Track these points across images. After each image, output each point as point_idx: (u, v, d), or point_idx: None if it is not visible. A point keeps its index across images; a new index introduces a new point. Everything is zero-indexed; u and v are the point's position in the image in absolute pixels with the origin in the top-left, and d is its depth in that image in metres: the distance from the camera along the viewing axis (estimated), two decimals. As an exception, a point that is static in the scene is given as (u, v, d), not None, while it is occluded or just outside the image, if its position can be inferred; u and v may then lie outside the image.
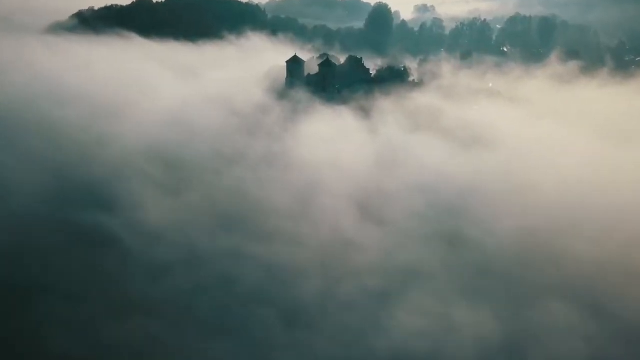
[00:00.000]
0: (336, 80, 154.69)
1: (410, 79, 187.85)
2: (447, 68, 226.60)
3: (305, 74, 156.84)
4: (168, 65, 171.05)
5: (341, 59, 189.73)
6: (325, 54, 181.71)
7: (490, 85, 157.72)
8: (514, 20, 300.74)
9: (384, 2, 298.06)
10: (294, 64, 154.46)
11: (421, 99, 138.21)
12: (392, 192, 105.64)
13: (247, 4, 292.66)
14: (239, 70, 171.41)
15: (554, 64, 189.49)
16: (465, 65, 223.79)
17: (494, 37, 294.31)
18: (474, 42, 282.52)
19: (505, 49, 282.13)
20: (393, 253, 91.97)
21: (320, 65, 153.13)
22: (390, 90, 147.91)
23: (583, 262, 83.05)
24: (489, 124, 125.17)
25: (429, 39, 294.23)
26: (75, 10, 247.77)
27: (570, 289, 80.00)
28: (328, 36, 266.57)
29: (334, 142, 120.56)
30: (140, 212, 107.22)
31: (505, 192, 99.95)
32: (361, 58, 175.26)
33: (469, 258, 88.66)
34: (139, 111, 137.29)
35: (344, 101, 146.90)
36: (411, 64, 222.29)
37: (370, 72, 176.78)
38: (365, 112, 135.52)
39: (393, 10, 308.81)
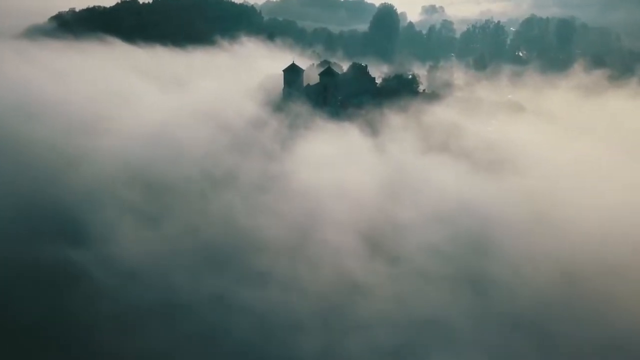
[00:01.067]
0: (339, 91, 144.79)
1: (420, 88, 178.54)
2: (459, 75, 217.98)
3: (305, 84, 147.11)
4: (153, 73, 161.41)
5: (344, 66, 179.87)
6: (326, 61, 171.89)
7: (510, 97, 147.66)
8: (530, 22, 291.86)
9: (389, 3, 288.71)
10: (292, 73, 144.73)
11: (434, 113, 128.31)
12: (405, 224, 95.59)
13: (241, 5, 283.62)
14: (231, 79, 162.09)
15: (578, 73, 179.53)
16: (479, 73, 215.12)
17: (508, 41, 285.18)
18: (487, 47, 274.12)
19: (521, 54, 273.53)
20: (408, 300, 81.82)
21: (321, 75, 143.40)
22: (399, 103, 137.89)
23: (637, 314, 72.61)
24: (513, 142, 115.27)
25: (439, 42, 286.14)
26: (55, 12, 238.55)
27: (622, 349, 69.52)
28: (329, 40, 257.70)
29: (338, 164, 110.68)
30: (114, 245, 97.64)
31: (538, 225, 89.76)
32: (366, 66, 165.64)
33: (498, 307, 78.44)
34: (118, 126, 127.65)
35: (347, 115, 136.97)
36: (419, 71, 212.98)
37: (376, 80, 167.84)
38: (371, 129, 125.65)
39: (399, 11, 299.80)
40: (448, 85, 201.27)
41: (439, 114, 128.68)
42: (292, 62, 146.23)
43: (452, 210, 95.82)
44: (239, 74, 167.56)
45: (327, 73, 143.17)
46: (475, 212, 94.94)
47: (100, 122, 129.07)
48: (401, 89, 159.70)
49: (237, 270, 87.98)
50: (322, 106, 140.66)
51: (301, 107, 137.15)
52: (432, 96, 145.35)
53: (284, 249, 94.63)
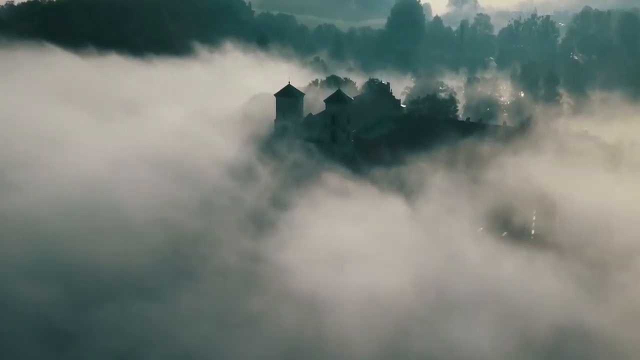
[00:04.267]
0: (352, 123, 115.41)
1: (459, 111, 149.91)
2: (505, 88, 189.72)
3: (305, 112, 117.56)
4: (98, 96, 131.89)
5: (357, 82, 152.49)
6: (334, 78, 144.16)
7: (585, 130, 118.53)
8: (586, 17, 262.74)
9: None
10: (287, 98, 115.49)
11: (495, 162, 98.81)
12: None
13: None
14: (205, 103, 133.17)
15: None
16: (531, 88, 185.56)
17: (559, 40, 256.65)
18: (534, 48, 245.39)
19: (577, 57, 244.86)
20: None
21: (328, 102, 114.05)
22: (438, 142, 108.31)
23: None
24: (619, 209, 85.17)
25: (473, 43, 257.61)
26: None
27: None
28: (337, 42, 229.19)
29: (359, 251, 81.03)
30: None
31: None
32: (388, 84, 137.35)
33: None
34: (28, 181, 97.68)
35: (368, 164, 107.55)
36: (452, 82, 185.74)
37: (401, 103, 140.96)
38: (404, 188, 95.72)
39: (422, 2, 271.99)
40: (492, 104, 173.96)
41: (503, 162, 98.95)
42: (287, 84, 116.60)
43: (556, 340, 66.35)
44: (216, 95, 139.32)
45: (336, 99, 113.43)
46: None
47: (2, 173, 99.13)
48: (435, 115, 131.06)
49: None
50: (329, 145, 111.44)
51: (300, 150, 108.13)
52: (481, 129, 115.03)
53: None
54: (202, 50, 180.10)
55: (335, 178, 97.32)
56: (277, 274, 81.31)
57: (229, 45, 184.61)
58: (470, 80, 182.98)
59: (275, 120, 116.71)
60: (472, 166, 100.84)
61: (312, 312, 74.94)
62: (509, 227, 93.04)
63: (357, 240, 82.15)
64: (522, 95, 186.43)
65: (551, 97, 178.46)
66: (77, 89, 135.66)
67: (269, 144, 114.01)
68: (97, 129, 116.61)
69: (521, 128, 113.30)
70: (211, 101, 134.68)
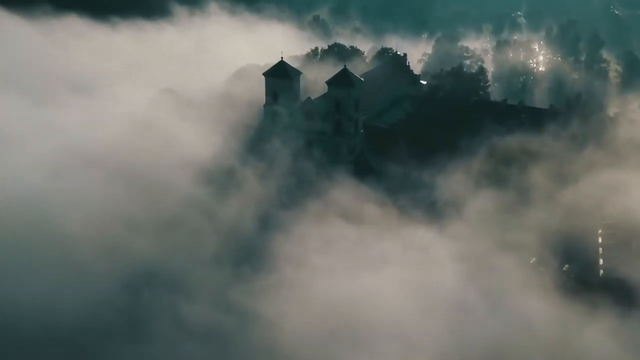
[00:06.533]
0: (361, 109, 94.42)
1: (488, 85, 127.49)
2: (538, 51, 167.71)
3: (303, 96, 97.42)
4: (39, 72, 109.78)
5: (365, 49, 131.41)
6: (337, 46, 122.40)
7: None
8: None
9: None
10: (281, 78, 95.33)
11: (543, 160, 78.33)
12: None
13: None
14: (180, 78, 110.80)
15: None
16: (571, 52, 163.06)
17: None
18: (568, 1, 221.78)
19: (617, 12, 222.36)
20: None
21: (331, 85, 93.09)
22: (469, 129, 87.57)
23: None
24: None
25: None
26: None
27: None
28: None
29: (380, 310, 60.60)
30: None
31: None
32: (404, 55, 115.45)
33: None
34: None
35: (381, 162, 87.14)
36: (475, 44, 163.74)
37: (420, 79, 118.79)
38: (431, 207, 74.56)
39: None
40: (528, 74, 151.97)
41: (561, 166, 78.02)
42: (280, 59, 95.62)
43: None
44: (193, 69, 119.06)
45: (342, 82, 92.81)
46: None
47: None
48: (466, 96, 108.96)
49: None
50: (333, 139, 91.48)
51: (296, 148, 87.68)
52: (531, 120, 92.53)
53: None
54: (180, 11, 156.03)
55: (342, 192, 76.42)
56: (266, 343, 60.55)
57: (213, 5, 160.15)
58: (499, 44, 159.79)
59: (264, 105, 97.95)
60: (520, 172, 79.44)
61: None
62: (573, 259, 72.23)
63: (379, 294, 60.86)
64: (559, 59, 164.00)
65: (596, 64, 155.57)
66: (18, 63, 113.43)
67: (256, 138, 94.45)
68: (34, 119, 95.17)
69: (584, 119, 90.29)
70: (186, 77, 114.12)
